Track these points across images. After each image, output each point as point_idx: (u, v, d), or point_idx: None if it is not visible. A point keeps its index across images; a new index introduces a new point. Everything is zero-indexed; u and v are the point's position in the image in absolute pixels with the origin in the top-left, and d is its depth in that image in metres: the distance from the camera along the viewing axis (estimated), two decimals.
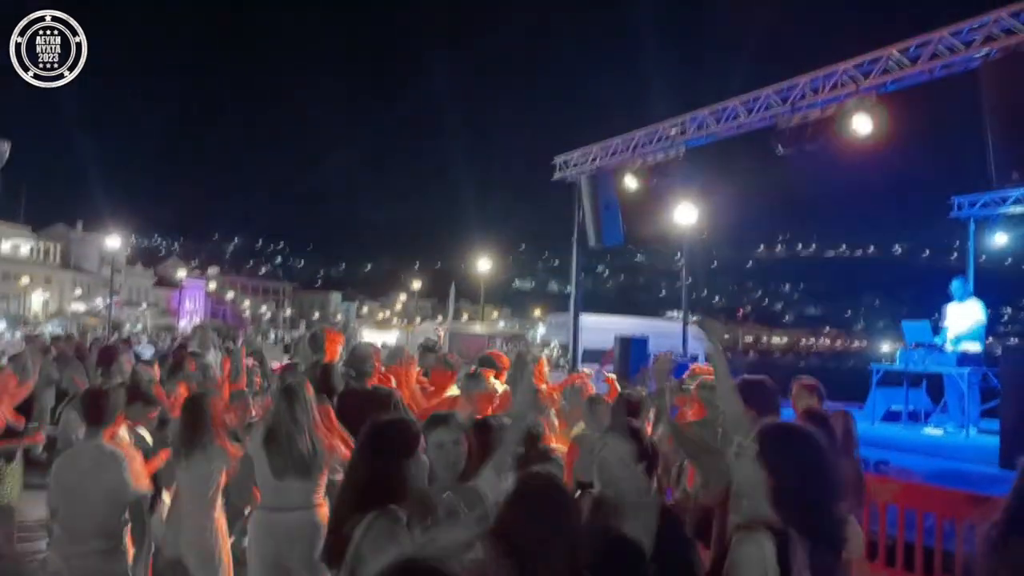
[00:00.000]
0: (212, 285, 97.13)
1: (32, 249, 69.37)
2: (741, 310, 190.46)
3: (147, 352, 16.61)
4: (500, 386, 5.92)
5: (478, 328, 32.21)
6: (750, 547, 2.25)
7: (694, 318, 17.46)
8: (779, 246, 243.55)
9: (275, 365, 8.10)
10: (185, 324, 67.63)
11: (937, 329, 10.77)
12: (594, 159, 14.49)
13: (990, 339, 10.90)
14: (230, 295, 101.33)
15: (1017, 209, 13.33)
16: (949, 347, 10.33)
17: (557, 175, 15.40)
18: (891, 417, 11.10)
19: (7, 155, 13.28)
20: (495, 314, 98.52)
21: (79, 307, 65.28)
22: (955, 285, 10.73)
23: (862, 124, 9.68)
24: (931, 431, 10.21)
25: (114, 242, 42.88)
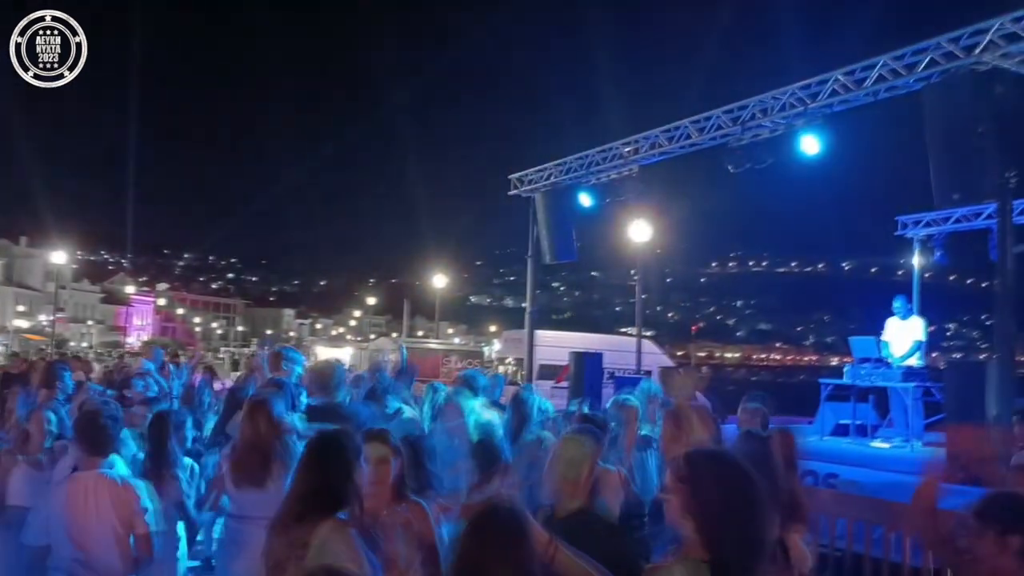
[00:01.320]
0: (162, 301, 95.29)
1: None
2: (695, 327, 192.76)
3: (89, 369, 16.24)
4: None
5: (433, 344, 32.06)
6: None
7: (649, 333, 17.67)
8: (731, 262, 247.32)
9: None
10: (133, 341, 66.16)
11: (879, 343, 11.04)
12: (549, 176, 14.61)
13: (934, 354, 11.18)
14: (180, 311, 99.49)
15: (959, 227, 13.76)
16: (893, 362, 10.59)
17: (512, 192, 15.48)
18: (840, 431, 11.30)
19: None
20: (450, 330, 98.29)
21: (22, 323, 63.46)
22: (898, 303, 11.00)
23: (810, 144, 9.95)
24: (878, 444, 10.41)
25: (59, 257, 42.00)
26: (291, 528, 2.68)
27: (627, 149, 12.98)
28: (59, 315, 50.76)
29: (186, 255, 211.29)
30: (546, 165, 14.75)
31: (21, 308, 67.20)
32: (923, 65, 8.72)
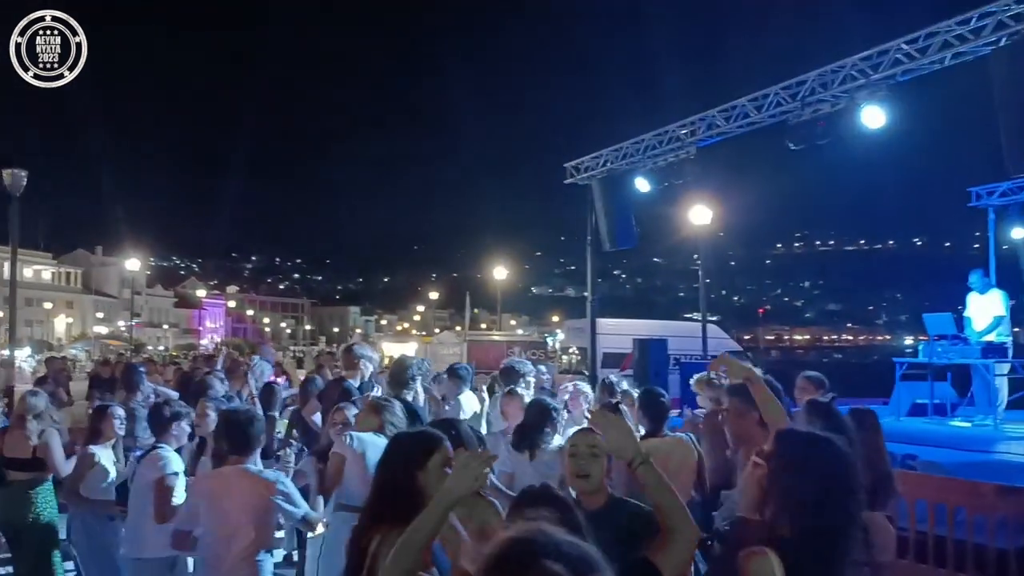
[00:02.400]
0: (232, 303, 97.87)
1: (54, 275, 70.29)
2: (762, 309, 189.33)
3: (167, 372, 16.80)
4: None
5: (496, 336, 32.21)
6: (758, 562, 2.18)
7: (714, 318, 17.42)
8: (797, 243, 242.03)
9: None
10: (207, 343, 68.19)
11: (960, 319, 10.66)
12: (605, 163, 14.51)
13: (1016, 329, 10.75)
14: (250, 312, 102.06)
15: None
16: (971, 338, 10.23)
17: (569, 180, 15.42)
18: (917, 411, 10.97)
19: (24, 184, 13.41)
20: (513, 322, 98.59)
21: (101, 330, 65.96)
22: (974, 278, 10.62)
23: (873, 117, 9.64)
24: (958, 424, 10.08)
25: (133, 265, 43.47)
26: (363, 534, 2.67)
27: (683, 131, 12.79)
28: (136, 320, 52.54)
29: (253, 257, 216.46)
30: (602, 151, 14.64)
31: (100, 315, 69.90)
32: (990, 28, 8.38)
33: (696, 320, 21.84)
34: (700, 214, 17.00)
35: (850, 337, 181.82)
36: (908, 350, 11.58)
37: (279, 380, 10.14)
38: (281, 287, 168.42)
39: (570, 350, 25.50)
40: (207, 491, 4.19)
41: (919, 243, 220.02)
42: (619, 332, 19.14)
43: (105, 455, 5.58)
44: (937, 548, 6.48)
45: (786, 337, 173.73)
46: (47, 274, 69.33)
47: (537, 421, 5.01)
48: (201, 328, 74.04)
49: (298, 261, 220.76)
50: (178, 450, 5.07)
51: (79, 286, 72.06)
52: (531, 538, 1.30)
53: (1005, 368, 9.94)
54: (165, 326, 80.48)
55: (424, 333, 69.69)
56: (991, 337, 10.15)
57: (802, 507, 2.20)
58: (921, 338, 11.08)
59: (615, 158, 14.29)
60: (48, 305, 62.29)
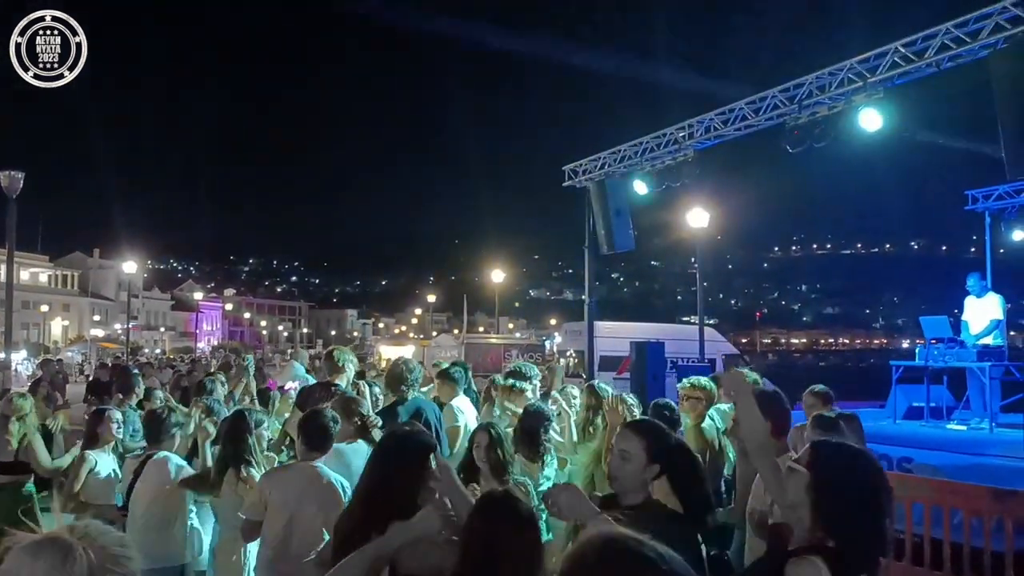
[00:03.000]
0: (229, 306, 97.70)
1: (50, 277, 70.15)
2: (759, 313, 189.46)
3: (165, 375, 16.79)
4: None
5: (494, 339, 32.18)
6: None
7: (711, 321, 17.42)
8: (794, 246, 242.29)
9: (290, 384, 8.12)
10: (203, 346, 68.06)
11: (957, 323, 10.66)
12: (603, 165, 14.52)
13: (1012, 333, 10.77)
14: (247, 315, 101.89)
15: None
16: (968, 342, 10.23)
17: (567, 183, 15.42)
18: (913, 414, 10.97)
19: (20, 185, 13.37)
20: (511, 325, 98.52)
21: (98, 332, 65.82)
22: (971, 281, 10.64)
23: (870, 120, 9.65)
24: (954, 427, 10.08)
25: (130, 268, 43.31)
26: (351, 536, 2.66)
27: (681, 134, 12.81)
28: (133, 323, 52.45)
29: (251, 260, 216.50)
30: (600, 154, 14.64)
31: (96, 318, 69.73)
32: (988, 31, 8.38)
33: (693, 323, 21.84)
34: (698, 217, 17.02)
35: (847, 340, 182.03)
36: (905, 353, 11.59)
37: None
38: (279, 290, 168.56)
39: (568, 353, 25.45)
40: (273, 484, 4.13)
41: (916, 247, 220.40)
42: (617, 335, 19.10)
43: (103, 459, 5.53)
44: (934, 551, 6.48)
45: (783, 340, 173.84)
46: (44, 277, 69.18)
47: (534, 426, 5.00)
48: (198, 331, 73.81)
49: (296, 264, 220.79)
50: None
51: (76, 289, 71.90)
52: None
53: (1000, 371, 9.95)
54: (162, 329, 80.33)
55: (421, 336, 69.63)
56: (987, 340, 10.16)
57: (847, 517, 2.29)
58: (918, 341, 11.08)
59: (613, 161, 14.29)
60: (44, 308, 62.09)
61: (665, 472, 2.97)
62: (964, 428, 9.94)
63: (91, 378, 11.09)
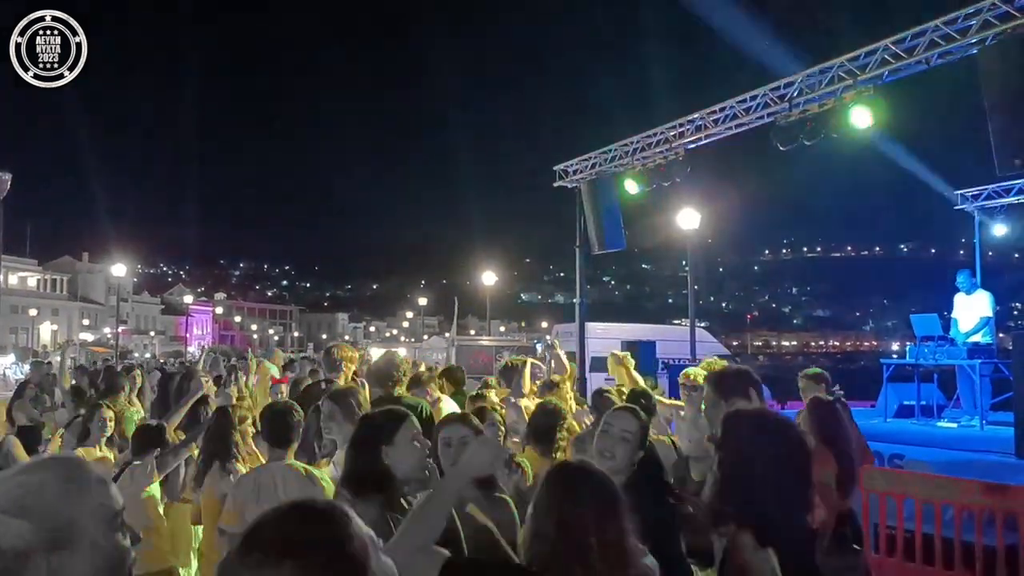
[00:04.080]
0: (219, 310, 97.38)
1: (39, 281, 69.77)
2: (750, 316, 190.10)
3: (155, 378, 16.68)
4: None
5: (484, 341, 32.15)
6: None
7: (702, 324, 17.43)
8: (784, 249, 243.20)
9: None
10: (194, 350, 67.79)
11: (947, 320, 10.69)
12: (594, 165, 14.53)
13: (1001, 335, 10.81)
14: (237, 319, 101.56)
15: (1021, 199, 13.25)
16: (957, 340, 10.26)
17: (558, 183, 15.42)
18: (904, 412, 11.00)
19: (7, 186, 13.27)
20: (502, 328, 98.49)
21: (87, 336, 65.49)
22: (961, 278, 10.68)
23: (861, 118, 9.67)
24: (945, 424, 10.11)
25: (119, 271, 43.06)
26: None
27: (672, 133, 12.83)
28: (122, 327, 52.21)
29: (241, 264, 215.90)
30: (591, 154, 14.66)
31: (86, 322, 69.38)
32: (977, 28, 8.41)
33: (684, 325, 21.84)
34: (689, 218, 17.02)
35: (837, 343, 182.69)
36: (895, 355, 11.61)
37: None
38: (269, 294, 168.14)
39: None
40: (247, 488, 3.96)
41: (905, 250, 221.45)
42: (608, 336, 19.07)
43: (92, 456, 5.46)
44: (925, 546, 6.48)
45: (774, 343, 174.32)
46: (32, 281, 68.81)
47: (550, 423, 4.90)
48: (188, 335, 73.54)
49: (286, 267, 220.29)
50: None
51: (65, 293, 71.54)
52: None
53: (990, 369, 9.97)
54: (152, 333, 79.96)
55: (412, 339, 69.53)
56: (977, 338, 10.19)
57: (747, 493, 2.17)
58: (908, 343, 11.13)
59: (604, 160, 14.30)
60: (33, 312, 61.70)
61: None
62: (955, 426, 9.97)
63: (73, 383, 10.94)
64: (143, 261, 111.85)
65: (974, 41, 8.45)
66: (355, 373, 6.44)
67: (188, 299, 77.98)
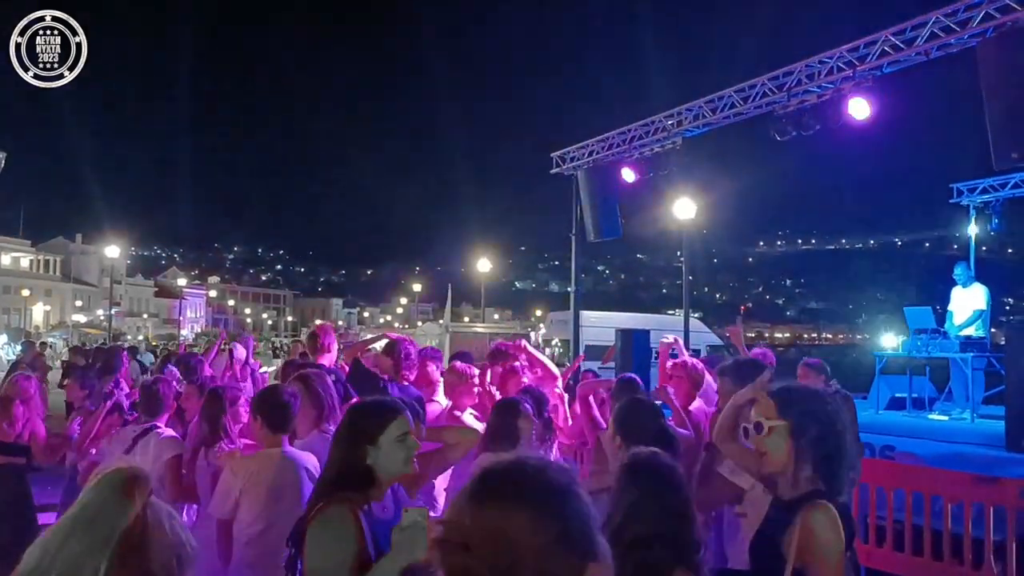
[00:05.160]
0: (213, 294, 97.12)
1: (32, 262, 69.46)
2: (743, 307, 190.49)
3: (147, 359, 16.67)
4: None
5: (479, 328, 32.15)
6: (824, 515, 2.25)
7: (696, 314, 17.43)
8: (779, 241, 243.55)
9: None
10: (187, 333, 67.65)
11: (941, 314, 10.70)
12: (591, 153, 14.48)
13: (993, 330, 10.83)
14: (231, 303, 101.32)
15: (1018, 193, 13.25)
16: (951, 332, 10.27)
17: (555, 170, 15.38)
18: (896, 404, 11.02)
19: (2, 165, 13.21)
20: (496, 316, 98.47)
21: (80, 318, 65.28)
22: (959, 270, 10.68)
23: (859, 108, 9.65)
24: (936, 417, 10.13)
25: (113, 253, 42.87)
26: (310, 509, 2.56)
27: (670, 122, 12.78)
28: (115, 309, 52.07)
29: (236, 248, 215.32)
30: (588, 141, 14.61)
31: (79, 303, 69.15)
32: (977, 20, 8.39)
33: (678, 316, 21.84)
34: (685, 207, 16.98)
35: (830, 336, 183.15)
36: (887, 348, 11.66)
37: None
38: (263, 278, 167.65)
39: (553, 342, 25.44)
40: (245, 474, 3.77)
41: (899, 243, 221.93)
42: (602, 324, 19.10)
43: None
44: (914, 537, 6.51)
45: (767, 334, 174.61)
46: (25, 261, 68.47)
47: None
48: (182, 318, 73.24)
49: (280, 252, 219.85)
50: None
51: (58, 274, 71.21)
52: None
53: (982, 363, 9.99)
54: (145, 316, 79.74)
55: (406, 326, 69.48)
56: (970, 331, 10.20)
57: (828, 457, 2.36)
58: (899, 337, 11.15)
59: (601, 148, 14.26)
60: (26, 293, 61.48)
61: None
62: (946, 418, 9.99)
63: (68, 362, 10.95)
64: (137, 243, 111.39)
65: (974, 33, 8.42)
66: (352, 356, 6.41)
67: (182, 282, 77.74)
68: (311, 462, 3.79)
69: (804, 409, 2.36)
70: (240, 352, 7.21)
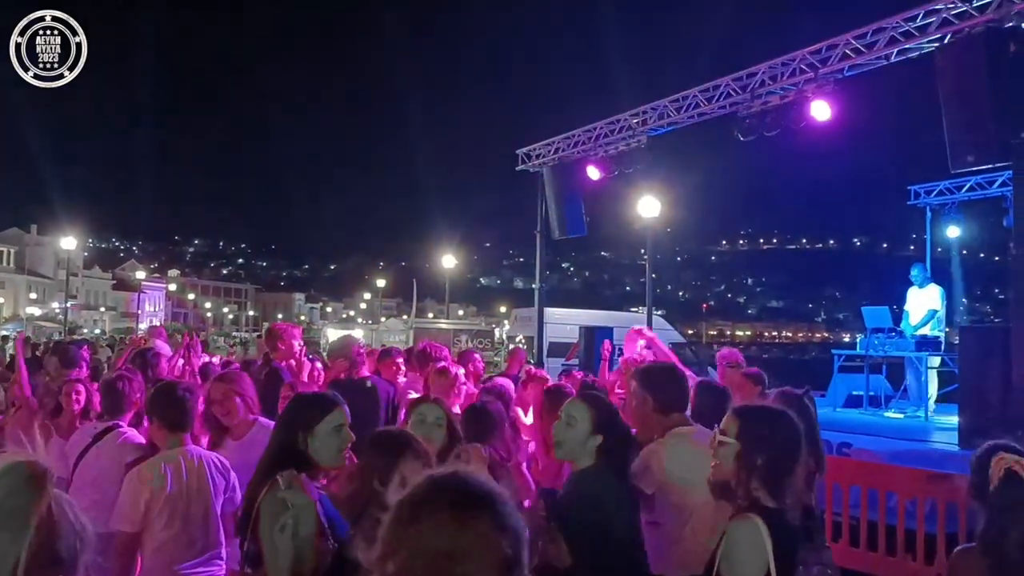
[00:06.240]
0: (172, 287, 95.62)
1: None
2: (706, 305, 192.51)
3: (104, 354, 16.39)
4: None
5: (443, 324, 32.09)
6: (745, 527, 2.29)
7: (659, 312, 17.54)
8: (741, 240, 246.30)
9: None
10: (145, 327, 66.52)
11: (898, 313, 10.91)
12: (557, 150, 14.50)
13: (948, 329, 11.07)
14: (191, 297, 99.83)
15: (974, 195, 13.57)
16: (906, 332, 10.48)
17: (520, 167, 15.37)
18: (853, 402, 11.22)
19: None
20: (461, 312, 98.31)
21: (35, 311, 63.84)
22: (915, 271, 10.91)
23: (821, 110, 9.79)
24: (892, 415, 10.33)
25: (69, 244, 41.94)
26: (251, 491, 2.69)
27: (635, 120, 12.86)
28: (71, 302, 51.00)
29: (196, 241, 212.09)
30: (553, 139, 14.63)
31: (33, 296, 67.63)
32: (936, 26, 8.56)
33: (640, 313, 22.01)
34: (649, 206, 17.10)
35: (790, 334, 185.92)
36: (846, 346, 11.93)
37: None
38: (224, 272, 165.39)
39: (517, 339, 25.47)
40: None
41: (858, 243, 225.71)
42: (566, 321, 19.14)
43: None
44: (869, 532, 6.63)
45: (728, 333, 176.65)
46: None
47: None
48: (140, 312, 71.97)
49: (243, 246, 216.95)
50: None
51: (11, 266, 69.58)
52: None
53: (936, 362, 10.21)
54: (102, 309, 78.26)
55: (370, 321, 69.09)
56: (925, 330, 10.42)
57: (777, 476, 2.37)
58: (859, 336, 11.34)
59: (567, 146, 14.29)
60: None
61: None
62: (901, 416, 10.20)
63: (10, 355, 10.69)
64: (94, 235, 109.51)
65: (933, 39, 8.59)
66: (308, 352, 6.34)
67: (140, 275, 76.24)
68: (217, 458, 3.64)
69: (758, 435, 2.41)
70: (163, 348, 6.99)
